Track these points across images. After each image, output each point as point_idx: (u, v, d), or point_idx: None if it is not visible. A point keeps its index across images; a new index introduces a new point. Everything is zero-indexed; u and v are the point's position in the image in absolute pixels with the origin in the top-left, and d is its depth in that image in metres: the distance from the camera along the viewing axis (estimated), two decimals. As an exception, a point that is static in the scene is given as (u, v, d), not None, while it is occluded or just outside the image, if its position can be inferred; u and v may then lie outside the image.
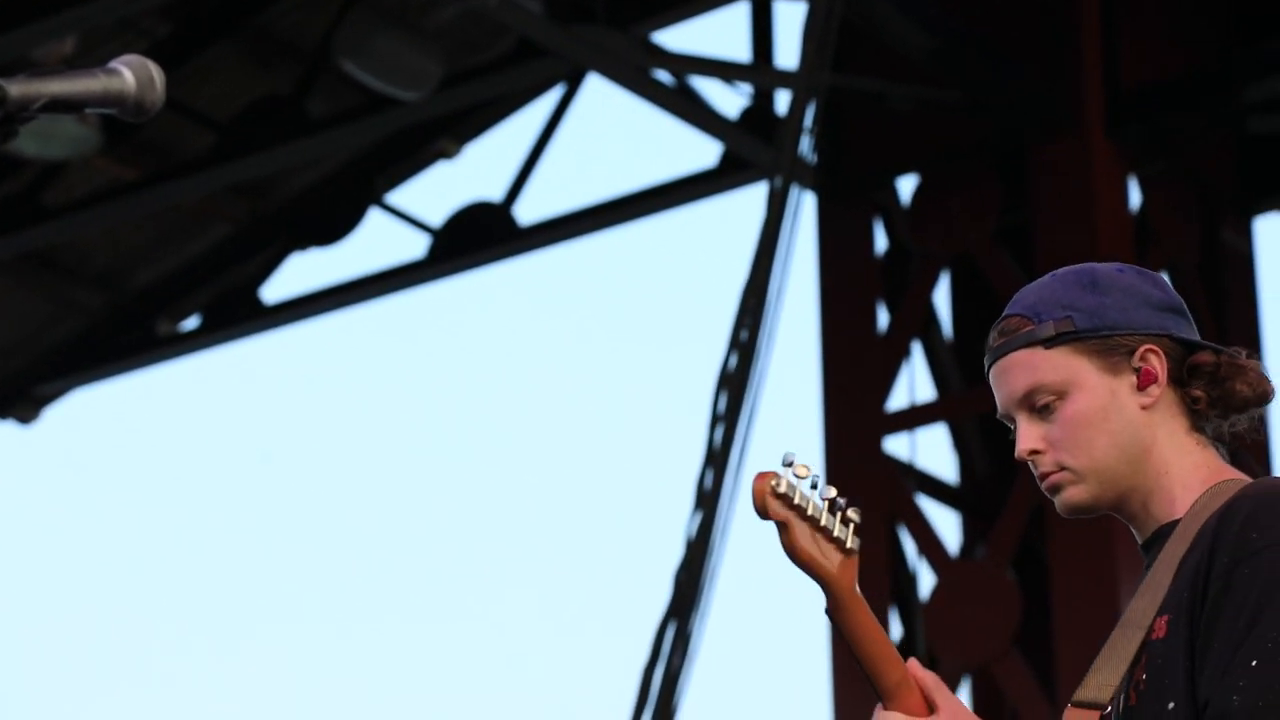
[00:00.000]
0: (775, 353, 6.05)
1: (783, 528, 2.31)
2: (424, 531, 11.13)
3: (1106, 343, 2.44)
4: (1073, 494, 2.43)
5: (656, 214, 7.56)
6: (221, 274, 8.17)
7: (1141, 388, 2.44)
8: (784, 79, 6.92)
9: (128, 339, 8.20)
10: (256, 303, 8.10)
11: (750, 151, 7.12)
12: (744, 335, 6.04)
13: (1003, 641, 6.59)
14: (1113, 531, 6.25)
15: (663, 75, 6.91)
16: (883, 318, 7.06)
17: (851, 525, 2.33)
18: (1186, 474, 2.44)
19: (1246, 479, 2.43)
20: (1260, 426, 2.53)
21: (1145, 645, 2.35)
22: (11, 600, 10.47)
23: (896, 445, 6.97)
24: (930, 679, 2.35)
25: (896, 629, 6.87)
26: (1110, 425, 2.43)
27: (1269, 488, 2.36)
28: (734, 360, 6.04)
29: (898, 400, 7.00)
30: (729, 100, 7.25)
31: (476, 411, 11.14)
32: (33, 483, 10.86)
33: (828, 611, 2.33)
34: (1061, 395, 2.43)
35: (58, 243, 7.88)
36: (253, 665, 11.08)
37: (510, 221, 7.71)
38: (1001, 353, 2.47)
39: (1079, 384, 2.44)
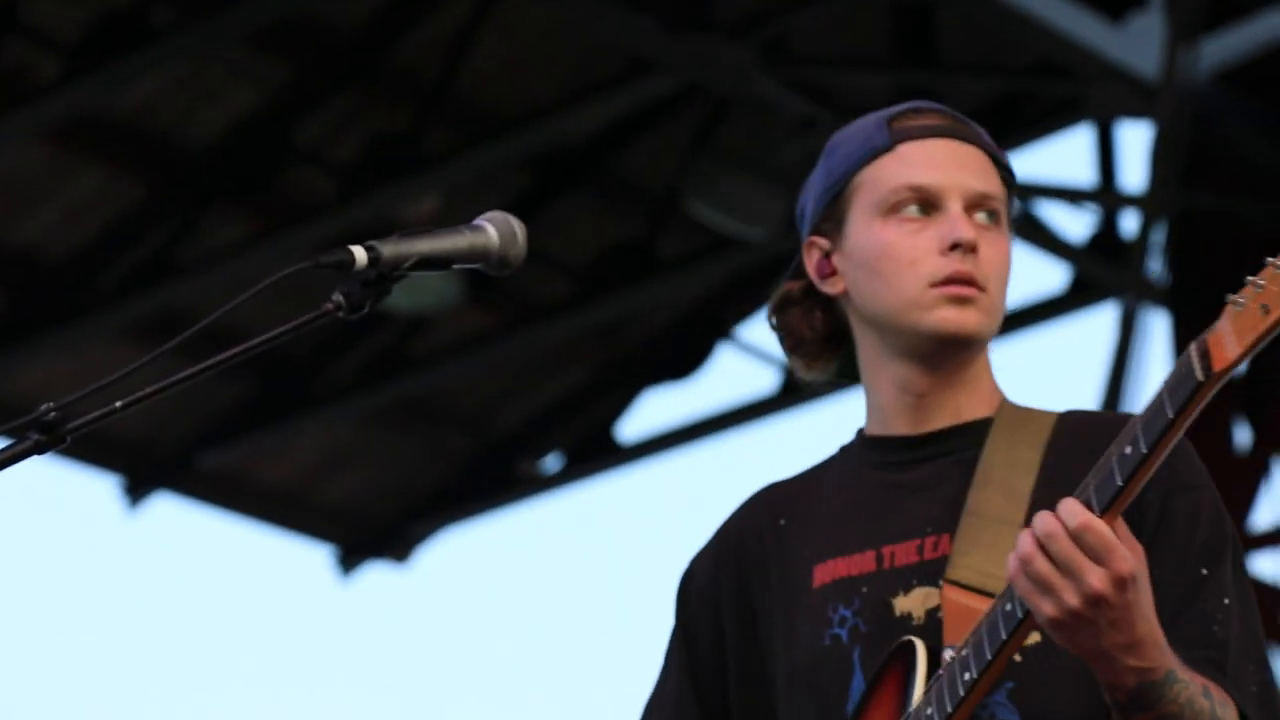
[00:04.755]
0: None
1: None
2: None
3: (1010, 205, 2.29)
4: (980, 320, 2.19)
5: (1005, 337, 7.53)
6: (579, 415, 8.37)
7: None
8: (1132, 201, 6.87)
9: (492, 480, 8.45)
10: (612, 442, 8.27)
11: (1099, 275, 7.06)
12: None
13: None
14: None
15: (1007, 202, 6.90)
16: (1241, 435, 6.93)
17: None
18: (991, 375, 2.25)
19: None
20: None
21: None
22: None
23: (1264, 565, 6.81)
24: None
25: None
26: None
27: None
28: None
29: (1261, 519, 6.85)
30: (1074, 224, 7.20)
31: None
32: (408, 618, 11.19)
33: None
34: (998, 224, 2.23)
35: (426, 390, 8.17)
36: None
37: (864, 353, 7.75)
38: (966, 137, 2.25)
39: (1005, 226, 2.25)
